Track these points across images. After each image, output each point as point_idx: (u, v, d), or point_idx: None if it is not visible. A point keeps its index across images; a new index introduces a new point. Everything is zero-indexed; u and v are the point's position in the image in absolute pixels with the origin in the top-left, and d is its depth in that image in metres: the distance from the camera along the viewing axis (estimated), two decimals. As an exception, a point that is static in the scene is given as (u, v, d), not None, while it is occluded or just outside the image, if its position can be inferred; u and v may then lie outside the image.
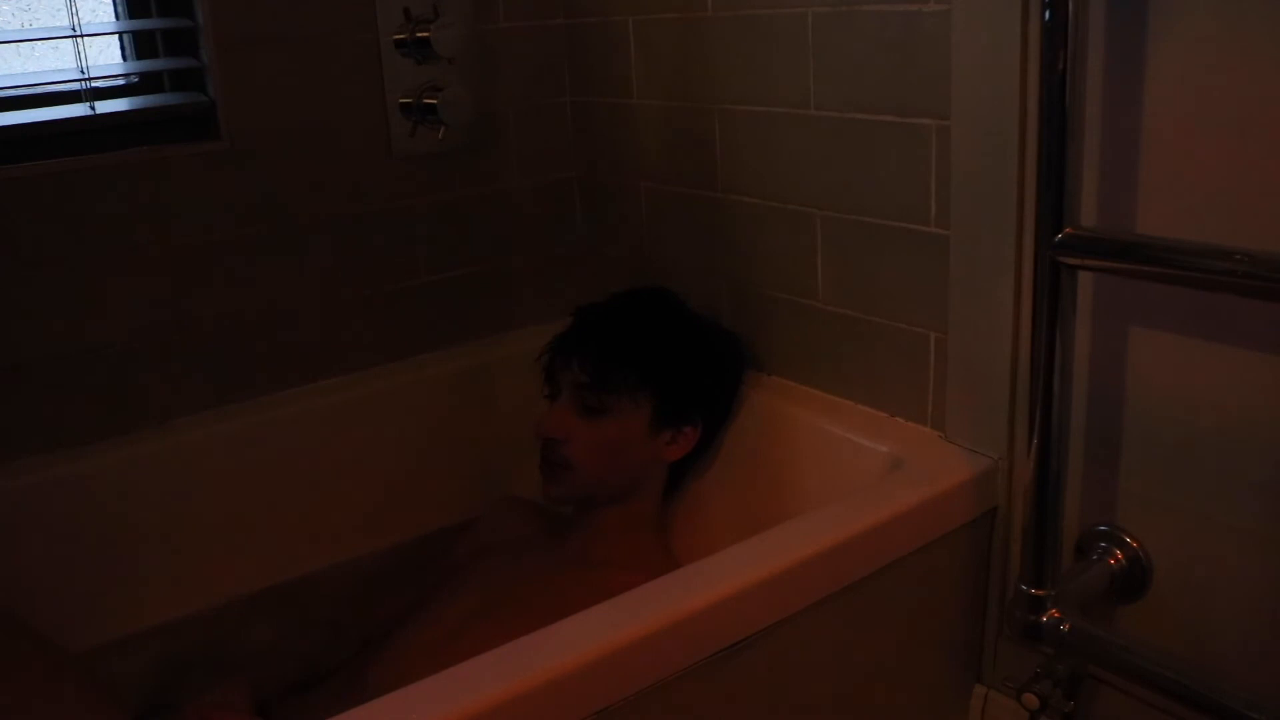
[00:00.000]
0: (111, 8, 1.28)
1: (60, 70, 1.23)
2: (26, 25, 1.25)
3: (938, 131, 1.04)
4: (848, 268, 1.19)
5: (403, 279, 1.45)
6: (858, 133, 1.13)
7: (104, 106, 1.24)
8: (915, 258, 1.10)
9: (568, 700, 0.80)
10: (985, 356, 1.04)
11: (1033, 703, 0.98)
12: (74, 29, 1.20)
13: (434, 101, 1.36)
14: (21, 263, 1.17)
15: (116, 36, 1.29)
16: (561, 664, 0.79)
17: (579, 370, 1.19)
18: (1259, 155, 0.81)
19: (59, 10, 1.22)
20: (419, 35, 1.34)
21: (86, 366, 1.22)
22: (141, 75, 1.29)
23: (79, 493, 1.20)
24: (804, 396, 1.26)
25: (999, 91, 0.95)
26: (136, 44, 1.30)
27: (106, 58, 1.29)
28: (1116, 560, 0.96)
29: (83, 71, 1.21)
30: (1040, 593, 0.90)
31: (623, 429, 1.19)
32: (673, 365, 1.22)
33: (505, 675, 0.77)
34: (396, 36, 1.36)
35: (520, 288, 1.56)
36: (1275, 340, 0.83)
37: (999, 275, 1.00)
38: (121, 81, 1.28)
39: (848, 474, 1.15)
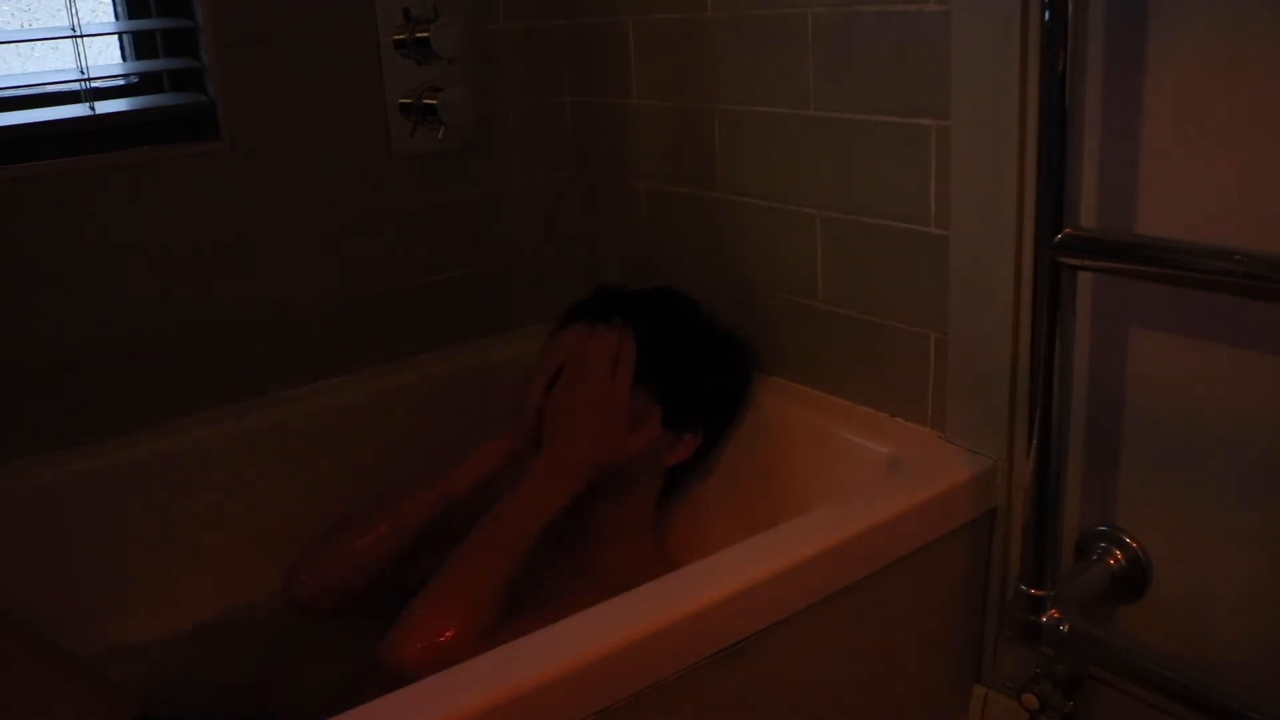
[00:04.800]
0: (111, 8, 1.28)
1: (60, 70, 1.24)
2: (26, 25, 1.25)
3: (938, 131, 1.04)
4: (848, 268, 1.19)
5: (403, 279, 1.45)
6: (858, 133, 1.13)
7: (104, 106, 1.24)
8: (915, 258, 1.10)
9: (568, 700, 0.79)
10: (985, 356, 1.04)
11: (1032, 703, 0.98)
12: (74, 29, 1.20)
13: (434, 101, 1.36)
14: (21, 263, 1.17)
15: (116, 37, 1.30)
16: (561, 664, 0.79)
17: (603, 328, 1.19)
18: (1259, 156, 0.81)
19: (59, 10, 1.22)
20: (419, 35, 1.34)
21: (86, 366, 1.22)
22: (141, 75, 1.29)
23: (79, 493, 1.20)
24: (804, 396, 1.26)
25: (999, 91, 0.95)
26: (136, 44, 1.30)
27: (106, 58, 1.29)
28: (1116, 560, 0.96)
29: (83, 72, 1.22)
30: (1040, 593, 0.90)
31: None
32: (684, 371, 1.22)
33: (505, 675, 0.77)
34: (396, 37, 1.36)
35: (520, 288, 1.56)
36: (1275, 340, 0.83)
37: (999, 275, 1.00)
38: (121, 81, 1.28)
39: (848, 474, 1.15)
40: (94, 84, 1.24)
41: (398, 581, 1.15)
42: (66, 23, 1.20)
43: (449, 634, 0.95)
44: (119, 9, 1.28)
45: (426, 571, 1.05)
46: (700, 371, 1.24)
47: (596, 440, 1.13)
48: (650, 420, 1.18)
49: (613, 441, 1.15)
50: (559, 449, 1.13)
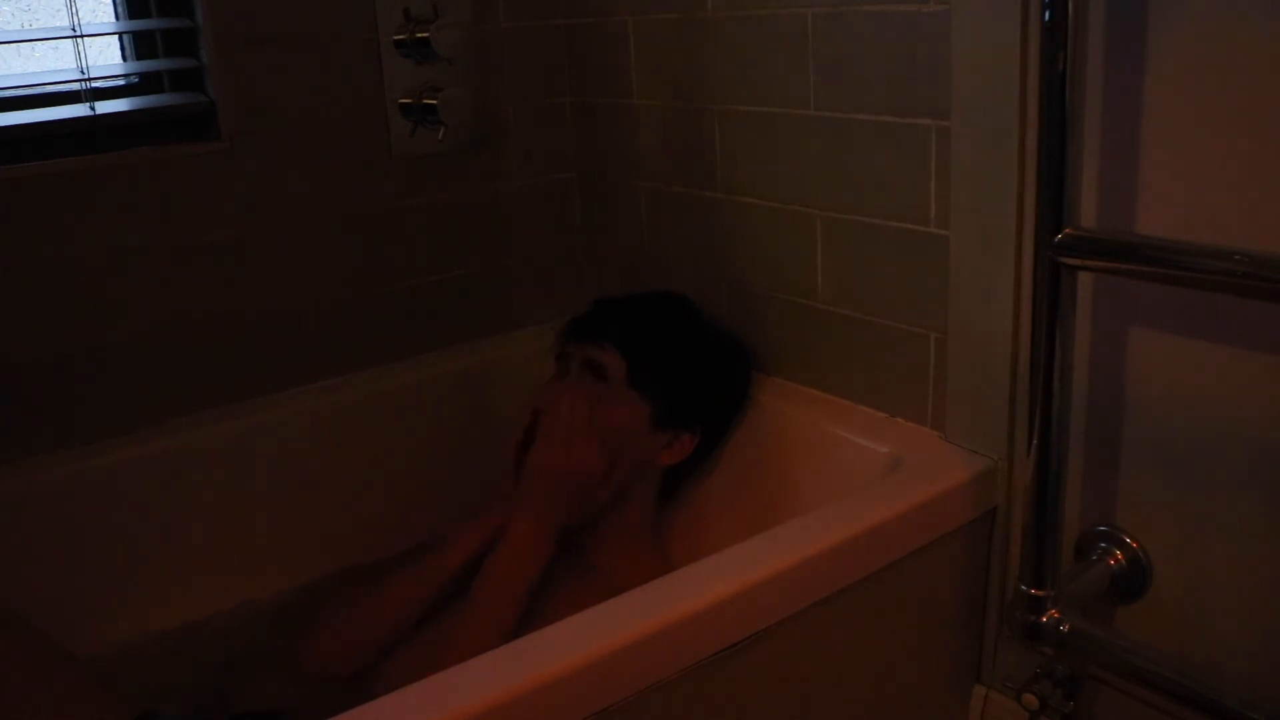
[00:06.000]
0: (111, 8, 1.28)
1: (60, 70, 1.24)
2: (26, 25, 1.25)
3: (938, 131, 1.04)
4: (848, 268, 1.19)
5: (403, 279, 1.45)
6: (858, 133, 1.13)
7: (104, 107, 1.24)
8: (915, 258, 1.10)
9: (568, 700, 0.80)
10: (985, 356, 1.04)
11: (1033, 703, 0.98)
12: (74, 29, 1.20)
13: (434, 102, 1.36)
14: (21, 263, 1.17)
15: (116, 37, 1.30)
16: (561, 664, 0.79)
17: (593, 351, 1.19)
18: (1259, 155, 0.81)
19: (59, 10, 1.22)
20: (419, 35, 1.34)
21: (86, 366, 1.22)
22: (141, 75, 1.29)
23: (79, 493, 1.20)
24: (804, 396, 1.26)
25: (999, 91, 0.95)
26: (136, 44, 1.30)
27: (106, 58, 1.29)
28: (1116, 560, 0.96)
29: (83, 72, 1.22)
30: (1040, 593, 0.90)
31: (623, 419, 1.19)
32: (682, 372, 1.22)
33: (505, 675, 0.78)
34: (396, 36, 1.36)
35: (520, 288, 1.56)
36: (1275, 340, 0.83)
37: (999, 275, 1.00)
38: (121, 82, 1.29)
39: (848, 474, 1.15)
40: (94, 84, 1.24)
41: (404, 641, 1.16)
42: (66, 23, 1.20)
43: None
44: (119, 9, 1.28)
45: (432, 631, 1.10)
46: (698, 372, 1.24)
47: (565, 508, 1.13)
48: (621, 458, 1.17)
49: (583, 503, 1.15)
50: (527, 521, 1.11)
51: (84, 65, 1.21)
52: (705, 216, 1.36)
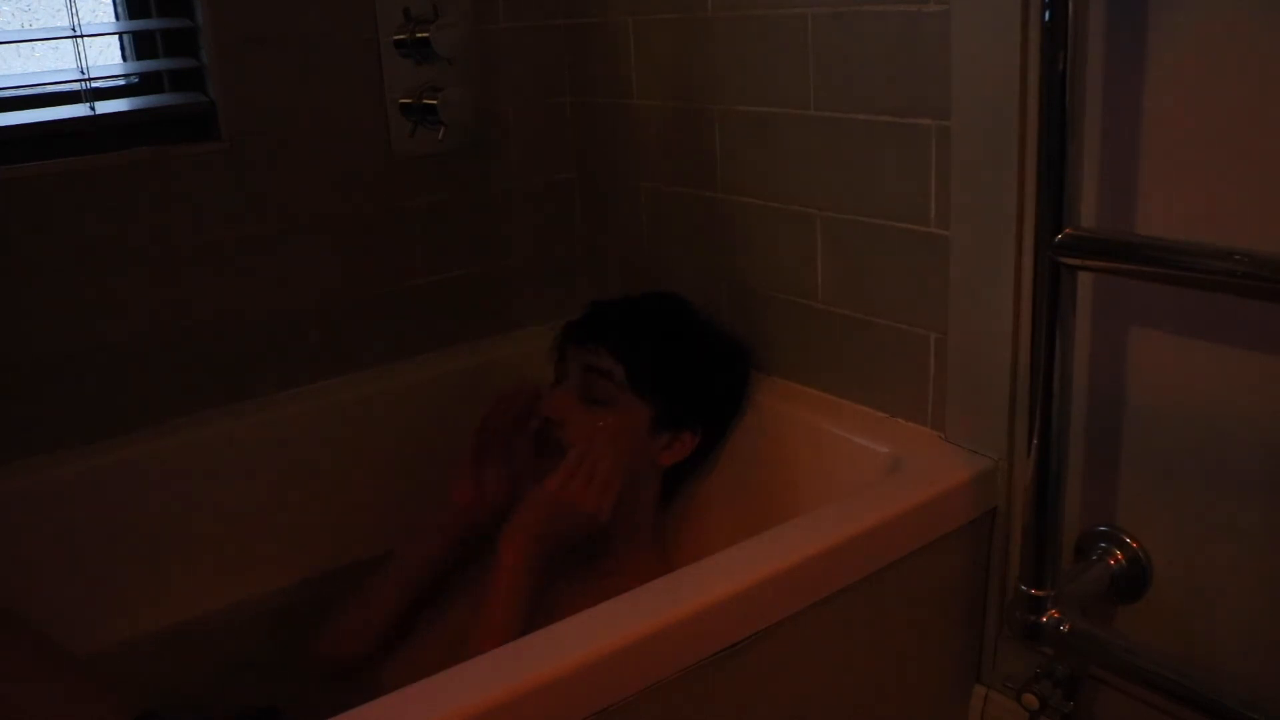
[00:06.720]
0: (111, 8, 1.28)
1: (60, 70, 1.24)
2: (26, 25, 1.25)
3: (938, 131, 1.04)
4: (848, 268, 1.19)
5: (403, 279, 1.45)
6: (858, 133, 1.13)
7: (104, 107, 1.24)
8: (915, 258, 1.10)
9: (568, 700, 0.80)
10: (985, 356, 1.04)
11: (1033, 703, 0.98)
12: (74, 29, 1.20)
13: (434, 102, 1.36)
14: (21, 263, 1.17)
15: (116, 37, 1.30)
16: (561, 664, 0.79)
17: (591, 356, 1.19)
18: (1259, 155, 0.81)
19: (59, 10, 1.22)
20: (419, 35, 1.34)
21: (86, 366, 1.22)
22: (141, 75, 1.29)
23: (79, 493, 1.20)
24: (804, 396, 1.26)
25: (999, 91, 0.95)
26: (136, 44, 1.30)
27: (106, 58, 1.29)
28: (1116, 560, 0.96)
29: (83, 72, 1.22)
30: (1040, 593, 0.90)
31: (622, 422, 1.19)
32: (681, 372, 1.22)
33: (505, 675, 0.78)
34: (396, 37, 1.36)
35: (520, 288, 1.56)
36: (1275, 340, 0.83)
37: (999, 275, 1.00)
38: (121, 82, 1.29)
39: (848, 474, 1.15)
40: (94, 84, 1.24)
41: (407, 640, 1.17)
42: (66, 23, 1.20)
43: None
44: (119, 9, 1.28)
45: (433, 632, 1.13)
46: (697, 372, 1.24)
47: (560, 538, 1.09)
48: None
49: (577, 535, 1.11)
50: (520, 546, 1.06)
51: (84, 65, 1.21)
52: (705, 216, 1.36)
